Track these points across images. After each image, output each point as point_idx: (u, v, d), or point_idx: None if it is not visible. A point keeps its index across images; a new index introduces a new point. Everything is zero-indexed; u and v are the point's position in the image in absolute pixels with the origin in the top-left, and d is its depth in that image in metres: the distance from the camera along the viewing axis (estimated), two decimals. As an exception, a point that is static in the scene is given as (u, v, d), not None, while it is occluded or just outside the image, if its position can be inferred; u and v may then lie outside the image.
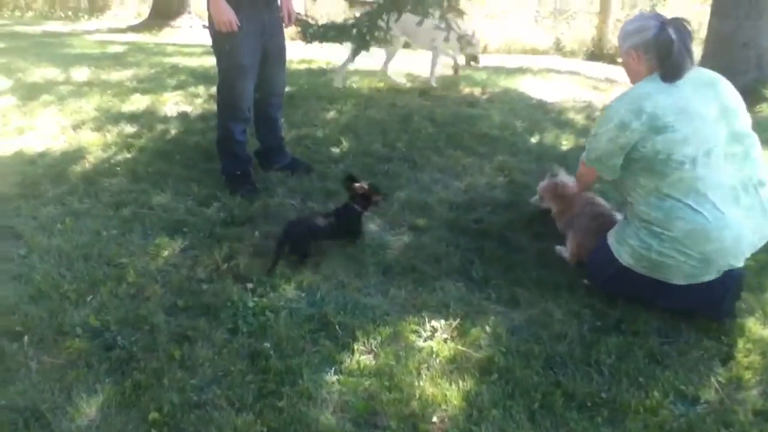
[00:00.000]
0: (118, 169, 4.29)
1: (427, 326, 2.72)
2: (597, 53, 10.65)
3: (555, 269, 3.21)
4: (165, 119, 5.50)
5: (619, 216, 3.15)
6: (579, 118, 5.94)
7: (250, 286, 2.95)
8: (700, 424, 2.23)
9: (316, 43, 6.25)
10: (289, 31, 4.12)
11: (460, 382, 2.38)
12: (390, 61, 6.98)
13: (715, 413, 2.29)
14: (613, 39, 10.21)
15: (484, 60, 7.24)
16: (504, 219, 3.76)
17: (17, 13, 15.53)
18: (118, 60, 8.29)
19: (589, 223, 3.19)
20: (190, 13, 13.11)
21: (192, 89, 6.53)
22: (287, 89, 4.72)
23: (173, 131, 5.18)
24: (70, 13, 15.55)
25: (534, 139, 5.28)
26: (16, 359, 2.41)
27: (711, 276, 2.71)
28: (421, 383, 2.37)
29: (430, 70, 6.97)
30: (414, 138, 5.07)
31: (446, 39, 6.05)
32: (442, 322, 2.75)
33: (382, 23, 5.80)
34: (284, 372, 2.38)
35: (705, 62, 7.04)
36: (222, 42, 3.77)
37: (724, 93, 2.75)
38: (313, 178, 4.22)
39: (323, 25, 6.11)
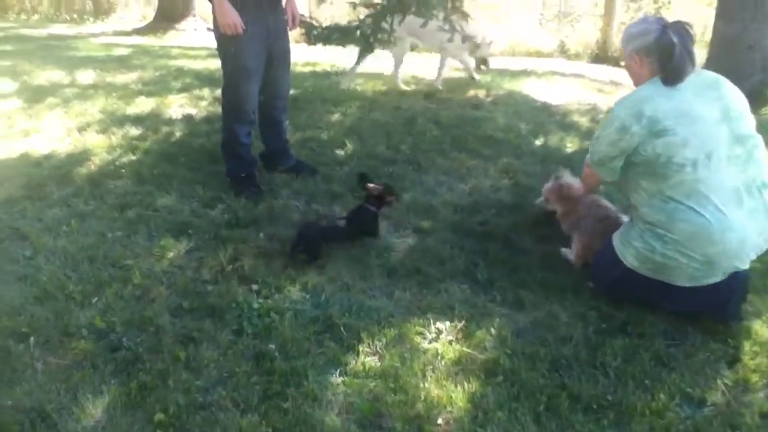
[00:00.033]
0: (123, 171, 4.30)
1: (432, 328, 2.71)
2: (601, 56, 10.62)
3: (560, 271, 3.20)
4: (170, 122, 5.51)
5: (624, 218, 3.15)
6: (584, 121, 5.93)
7: (255, 287, 2.96)
8: (706, 427, 2.22)
9: (320, 46, 6.26)
10: (293, 34, 4.13)
11: (465, 384, 2.38)
12: (399, 67, 6.93)
13: (722, 416, 2.28)
14: (617, 42, 10.17)
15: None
16: (509, 221, 3.76)
17: (23, 16, 15.60)
18: (123, 63, 8.32)
19: (595, 225, 3.19)
20: (194, 15, 13.13)
21: (197, 92, 6.55)
22: (292, 92, 4.72)
23: (178, 134, 5.19)
24: (75, 16, 15.62)
25: (538, 142, 5.28)
26: (22, 360, 2.42)
27: (716, 278, 2.70)
28: (426, 385, 2.37)
29: (437, 72, 6.97)
30: (418, 140, 5.08)
31: (450, 40, 6.03)
32: (447, 324, 2.74)
33: (386, 25, 5.80)
34: (289, 373, 2.38)
35: (710, 65, 7.02)
36: (227, 45, 3.78)
37: (726, 95, 2.74)
38: (317, 180, 4.22)
39: (327, 27, 6.12)
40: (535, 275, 3.15)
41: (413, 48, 7.06)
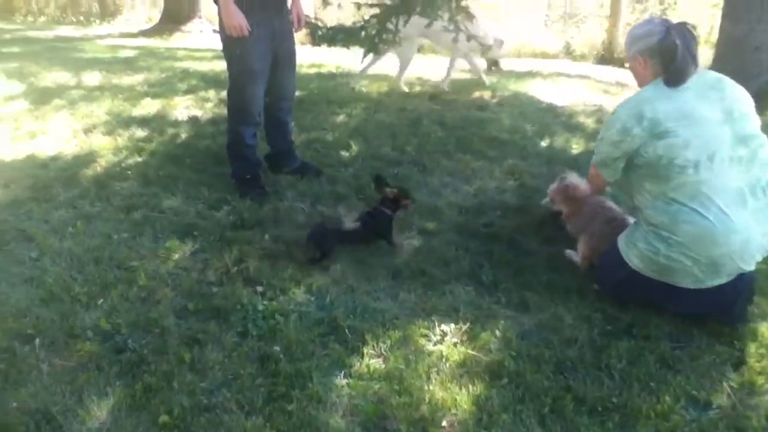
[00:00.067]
0: (129, 172, 4.31)
1: (437, 330, 2.71)
2: (607, 57, 10.59)
3: (565, 273, 3.20)
4: (175, 123, 5.53)
5: (630, 220, 3.14)
6: (589, 122, 5.92)
7: (259, 289, 2.96)
8: (712, 430, 2.21)
9: (325, 48, 6.25)
10: (299, 35, 4.14)
11: (470, 386, 2.38)
12: (405, 69, 6.91)
13: (728, 418, 2.27)
14: (623, 43, 10.15)
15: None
16: (514, 223, 3.75)
17: (30, 18, 15.68)
18: (129, 64, 8.34)
19: (602, 227, 3.18)
20: (200, 17, 13.16)
21: (202, 93, 6.56)
22: (297, 93, 4.73)
23: (184, 135, 5.20)
24: (81, 18, 15.68)
25: (544, 143, 5.27)
26: (28, 362, 2.42)
27: (721, 280, 2.69)
28: (431, 387, 2.37)
29: (446, 72, 6.96)
30: (423, 142, 5.08)
31: (455, 39, 6.00)
32: (452, 326, 2.74)
33: (391, 26, 5.79)
34: (294, 375, 2.38)
35: (716, 65, 6.99)
36: (233, 47, 3.79)
37: (729, 95, 2.73)
38: (322, 181, 4.23)
39: (331, 28, 6.11)
40: (540, 277, 3.14)
41: (419, 49, 7.05)
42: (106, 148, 4.76)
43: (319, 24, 6.12)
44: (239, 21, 3.63)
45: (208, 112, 5.86)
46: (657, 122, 2.63)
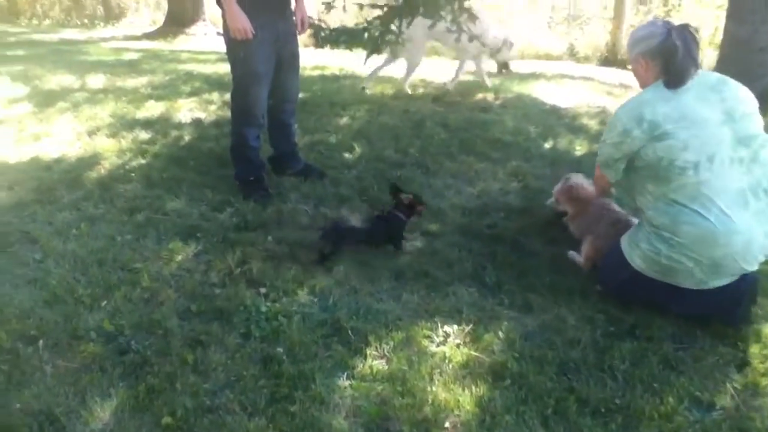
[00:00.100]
0: (133, 174, 4.32)
1: (440, 331, 2.71)
2: (611, 59, 10.58)
3: (568, 274, 3.19)
4: (179, 126, 5.54)
5: (634, 221, 3.14)
6: (593, 124, 5.92)
7: (263, 290, 2.97)
8: (715, 431, 2.21)
9: (329, 50, 6.26)
10: (302, 37, 4.14)
11: (473, 387, 2.38)
12: (412, 72, 6.88)
13: (731, 420, 2.27)
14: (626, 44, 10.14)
15: (495, 65, 7.22)
16: (517, 224, 3.75)
17: (35, 21, 15.72)
18: (133, 67, 8.37)
19: (608, 229, 3.18)
20: (204, 20, 13.18)
21: (206, 96, 6.58)
22: (300, 95, 4.73)
23: (187, 137, 5.21)
24: (86, 20, 15.71)
25: (548, 145, 5.27)
26: (31, 363, 2.43)
27: (723, 281, 2.69)
28: (434, 388, 2.37)
29: (455, 73, 6.95)
30: (427, 144, 5.08)
31: (457, 40, 5.98)
32: (455, 327, 2.74)
33: (394, 27, 5.79)
34: (297, 377, 2.38)
35: (721, 67, 6.98)
36: (237, 49, 3.79)
37: (730, 96, 2.72)
38: (326, 183, 4.23)
39: (334, 29, 6.11)
40: (543, 278, 3.14)
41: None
42: (110, 151, 4.77)
43: (323, 26, 6.13)
44: (243, 24, 3.63)
45: (212, 115, 5.87)
46: (656, 124, 2.64)
